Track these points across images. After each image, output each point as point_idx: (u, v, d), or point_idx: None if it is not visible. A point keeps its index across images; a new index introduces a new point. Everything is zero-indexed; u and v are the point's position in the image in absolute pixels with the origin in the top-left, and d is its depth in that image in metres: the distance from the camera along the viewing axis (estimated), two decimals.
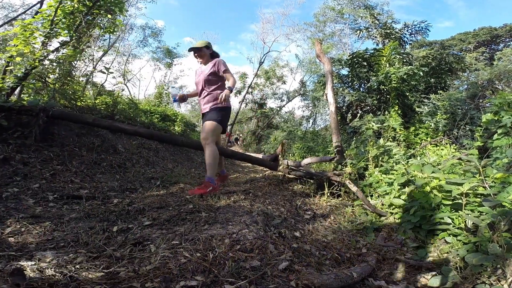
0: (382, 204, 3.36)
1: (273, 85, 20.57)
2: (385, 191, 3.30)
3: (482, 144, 3.48)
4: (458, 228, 2.26)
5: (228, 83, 3.32)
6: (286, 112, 20.41)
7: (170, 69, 18.99)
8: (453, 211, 2.43)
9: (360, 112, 12.49)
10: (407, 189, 2.87)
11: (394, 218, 3.06)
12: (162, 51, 18.67)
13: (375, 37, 14.11)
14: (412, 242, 2.47)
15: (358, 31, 15.24)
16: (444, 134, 8.55)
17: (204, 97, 3.39)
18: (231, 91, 3.29)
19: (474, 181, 2.22)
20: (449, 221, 2.35)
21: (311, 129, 16.24)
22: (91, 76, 5.39)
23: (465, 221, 2.24)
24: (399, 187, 3.19)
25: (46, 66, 4.06)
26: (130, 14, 15.52)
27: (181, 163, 5.32)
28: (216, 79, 3.37)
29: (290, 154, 11.53)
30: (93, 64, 5.53)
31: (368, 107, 11.45)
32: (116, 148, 3.94)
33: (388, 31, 13.15)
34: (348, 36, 18.36)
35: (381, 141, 3.68)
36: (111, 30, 4.98)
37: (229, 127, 19.40)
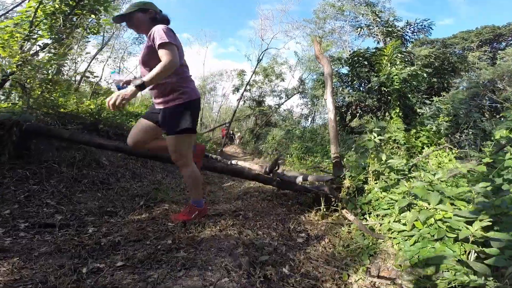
0: (381, 225, 3.16)
1: (272, 83, 20.29)
2: (385, 214, 3.09)
3: (492, 160, 3.26)
4: (459, 261, 2.06)
5: (155, 70, 2.05)
6: (284, 110, 20.17)
7: None
8: (457, 242, 2.24)
9: (359, 112, 12.29)
10: (408, 217, 2.65)
11: (392, 242, 2.87)
12: None
13: (376, 35, 13.80)
14: (408, 275, 2.29)
15: (359, 29, 14.93)
16: (447, 137, 8.35)
17: (153, 88, 2.36)
18: (140, 88, 2.04)
19: (485, 217, 2.01)
20: (451, 252, 2.15)
21: (309, 127, 16.01)
22: (75, 80, 5.13)
23: (468, 256, 2.05)
24: (399, 208, 2.99)
25: (25, 72, 3.81)
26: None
27: (172, 173, 5.09)
28: (153, 58, 2.19)
29: (288, 155, 11.33)
30: (75, 68, 5.26)
31: (368, 107, 11.24)
32: (99, 162, 3.71)
33: (389, 29, 12.84)
34: (348, 33, 18.05)
35: (383, 156, 3.46)
36: (95, 31, 4.72)
37: (226, 125, 19.19)
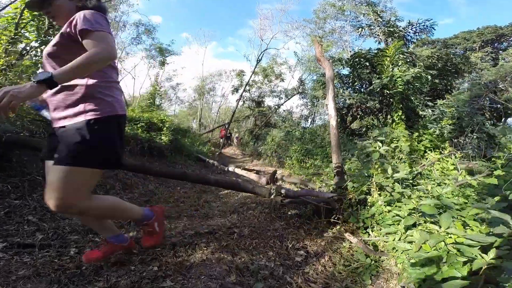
0: (385, 242, 2.99)
1: (271, 83, 20.09)
2: (389, 232, 2.91)
3: (504, 173, 3.07)
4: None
5: (77, 59, 1.42)
6: (284, 111, 19.97)
7: (163, 69, 18.40)
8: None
9: (360, 113, 12.10)
10: (415, 237, 2.47)
11: (396, 261, 2.71)
12: (156, 49, 18.08)
13: (378, 35, 13.58)
14: None
15: (360, 29, 14.68)
16: (450, 141, 8.16)
17: (53, 94, 1.60)
18: (48, 85, 1.36)
19: (501, 243, 1.82)
20: (459, 277, 1.98)
21: (309, 128, 15.82)
22: None
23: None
24: (405, 226, 2.80)
25: (9, 76, 3.62)
26: (123, 11, 14.93)
27: (166, 181, 4.89)
28: (70, 53, 1.50)
29: (288, 158, 11.15)
30: None
31: (369, 109, 11.05)
32: None
33: (391, 29, 12.63)
34: (349, 33, 17.77)
35: (389, 169, 3.27)
36: None
37: (225, 126, 18.99)
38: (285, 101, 20.20)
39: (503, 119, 14.26)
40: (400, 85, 8.06)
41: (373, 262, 2.73)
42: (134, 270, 1.99)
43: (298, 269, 2.51)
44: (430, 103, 9.12)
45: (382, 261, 2.77)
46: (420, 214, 2.71)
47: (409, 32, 12.94)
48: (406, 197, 3.26)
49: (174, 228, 2.73)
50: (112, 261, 2.09)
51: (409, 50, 11.60)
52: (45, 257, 2.17)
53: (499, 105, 12.79)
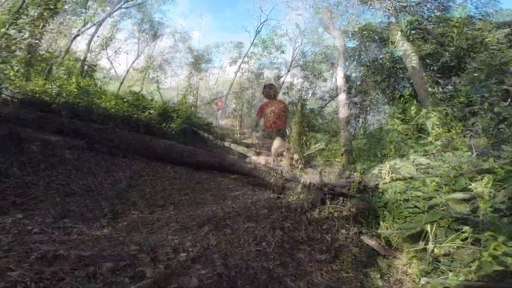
0: (400, 237, 2.64)
1: (271, 55, 19.14)
2: (407, 227, 2.55)
3: None
4: None
5: None
6: (285, 83, 19.20)
7: (155, 42, 17.38)
8: None
9: (365, 87, 11.59)
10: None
11: (412, 261, 2.39)
12: (146, 23, 16.81)
13: (388, 9, 12.66)
14: None
15: (368, 2, 13.69)
16: (461, 120, 7.79)
17: None
18: None
19: None
20: None
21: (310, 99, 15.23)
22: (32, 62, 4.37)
23: None
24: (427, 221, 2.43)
25: None
26: None
27: (154, 161, 4.40)
28: None
29: (286, 130, 10.79)
30: (29, 48, 4.40)
31: (375, 84, 10.57)
32: (61, 157, 3.03)
33: (403, 4, 11.79)
34: (355, 6, 16.51)
35: (412, 156, 2.86)
36: (56, 9, 3.89)
37: (222, 98, 18.37)
38: (286, 74, 19.43)
39: (509, 100, 13.79)
40: (414, 61, 7.55)
41: (385, 261, 2.42)
42: (103, 281, 1.61)
43: (301, 269, 2.18)
44: (440, 81, 8.66)
45: (395, 260, 2.45)
46: (445, 208, 2.34)
47: (422, 8, 12.12)
48: (421, 183, 2.88)
49: (157, 220, 2.34)
50: (79, 272, 1.71)
51: (421, 26, 10.92)
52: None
53: (506, 86, 12.28)
